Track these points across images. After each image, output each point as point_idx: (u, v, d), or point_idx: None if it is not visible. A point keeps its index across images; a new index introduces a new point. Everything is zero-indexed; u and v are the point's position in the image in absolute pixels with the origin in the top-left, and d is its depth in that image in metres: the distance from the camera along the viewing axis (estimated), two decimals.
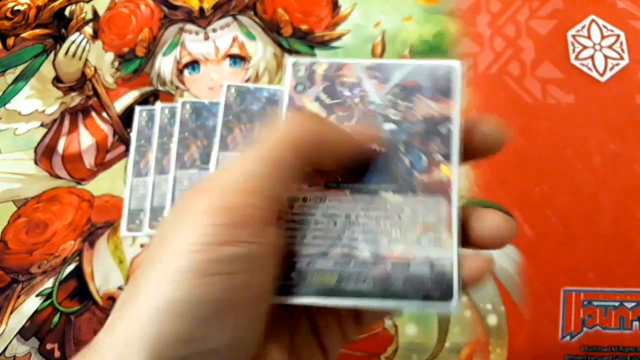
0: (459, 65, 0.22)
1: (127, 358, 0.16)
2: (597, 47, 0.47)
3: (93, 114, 0.48)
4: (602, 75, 0.46)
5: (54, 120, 0.48)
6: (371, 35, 0.49)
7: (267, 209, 0.18)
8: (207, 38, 0.49)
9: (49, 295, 0.42)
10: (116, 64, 0.49)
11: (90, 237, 0.44)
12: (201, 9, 0.50)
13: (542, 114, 0.45)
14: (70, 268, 0.43)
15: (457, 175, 0.20)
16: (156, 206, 0.43)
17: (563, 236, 0.41)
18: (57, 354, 0.40)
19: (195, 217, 0.17)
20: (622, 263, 0.40)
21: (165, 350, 0.16)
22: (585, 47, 0.47)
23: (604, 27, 0.47)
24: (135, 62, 0.49)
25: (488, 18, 0.48)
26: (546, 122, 0.44)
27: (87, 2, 0.52)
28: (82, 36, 0.51)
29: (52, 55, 0.50)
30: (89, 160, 0.46)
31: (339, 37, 0.49)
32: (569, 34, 0.47)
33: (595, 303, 0.39)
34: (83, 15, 0.52)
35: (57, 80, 0.49)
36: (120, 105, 0.48)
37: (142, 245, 0.43)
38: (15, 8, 0.52)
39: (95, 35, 0.51)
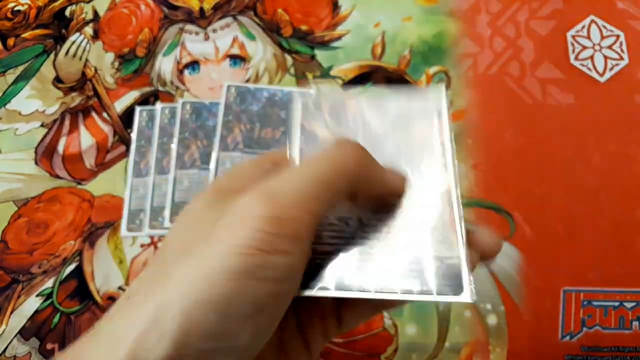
0: (443, 89, 0.25)
1: (151, 340, 0.16)
2: (597, 48, 0.47)
3: (93, 114, 0.48)
4: (601, 75, 0.46)
5: (55, 121, 0.48)
6: (371, 36, 0.49)
7: (311, 226, 0.19)
8: (207, 38, 0.49)
9: (49, 295, 0.42)
10: (116, 64, 0.49)
11: (90, 237, 0.44)
12: (201, 10, 0.51)
13: (542, 114, 0.45)
14: (71, 268, 0.43)
15: (454, 184, 0.23)
16: (156, 206, 0.43)
17: (563, 236, 0.41)
18: (57, 354, 0.40)
19: (245, 221, 0.18)
20: (622, 263, 0.40)
21: (192, 341, 0.17)
22: (585, 48, 0.47)
23: (604, 27, 0.47)
24: (135, 63, 0.49)
25: (488, 18, 0.48)
26: (546, 122, 0.44)
27: (88, 2, 0.52)
28: (82, 36, 0.51)
29: (52, 56, 0.50)
30: (89, 161, 0.46)
31: (339, 38, 0.49)
32: (569, 34, 0.47)
33: (595, 303, 0.39)
34: (83, 15, 0.52)
35: (57, 80, 0.49)
36: (120, 105, 0.48)
37: (142, 246, 0.43)
38: (16, 8, 0.52)
39: (96, 36, 0.51)
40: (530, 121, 0.45)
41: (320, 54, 0.48)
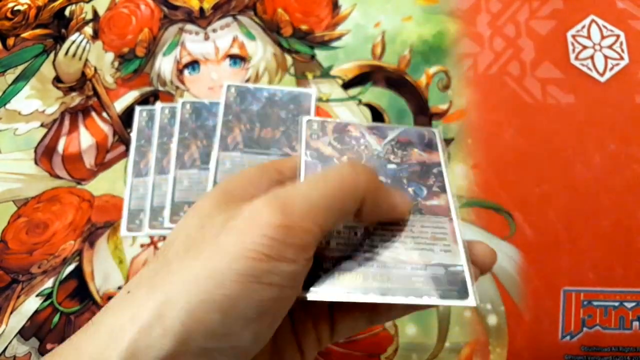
0: (438, 131, 0.28)
1: (154, 334, 0.17)
2: (597, 47, 0.47)
3: (93, 114, 0.48)
4: (602, 75, 0.46)
5: (54, 120, 0.48)
6: (371, 35, 0.49)
7: (318, 238, 0.20)
8: (207, 38, 0.49)
9: (49, 295, 0.42)
10: (116, 64, 0.49)
11: (90, 237, 0.44)
12: (201, 9, 0.50)
13: (542, 114, 0.45)
14: (70, 268, 0.43)
15: (452, 201, 0.25)
16: (156, 206, 0.43)
17: (563, 236, 0.41)
18: (55, 347, 0.40)
19: (255, 226, 0.18)
20: (622, 263, 0.40)
21: (195, 339, 0.17)
22: (585, 47, 0.47)
23: (604, 27, 0.47)
24: (135, 62, 0.49)
25: (488, 18, 0.48)
26: (546, 122, 0.44)
27: (87, 2, 0.52)
28: (82, 36, 0.51)
29: (52, 56, 0.50)
30: (89, 160, 0.46)
31: (339, 37, 0.49)
32: (569, 34, 0.47)
33: (595, 303, 0.39)
34: (83, 15, 0.52)
35: (57, 80, 0.49)
36: (120, 105, 0.48)
37: (142, 246, 0.43)
38: (16, 8, 0.52)
39: (96, 36, 0.51)
40: (530, 121, 0.45)
41: (320, 54, 0.48)
